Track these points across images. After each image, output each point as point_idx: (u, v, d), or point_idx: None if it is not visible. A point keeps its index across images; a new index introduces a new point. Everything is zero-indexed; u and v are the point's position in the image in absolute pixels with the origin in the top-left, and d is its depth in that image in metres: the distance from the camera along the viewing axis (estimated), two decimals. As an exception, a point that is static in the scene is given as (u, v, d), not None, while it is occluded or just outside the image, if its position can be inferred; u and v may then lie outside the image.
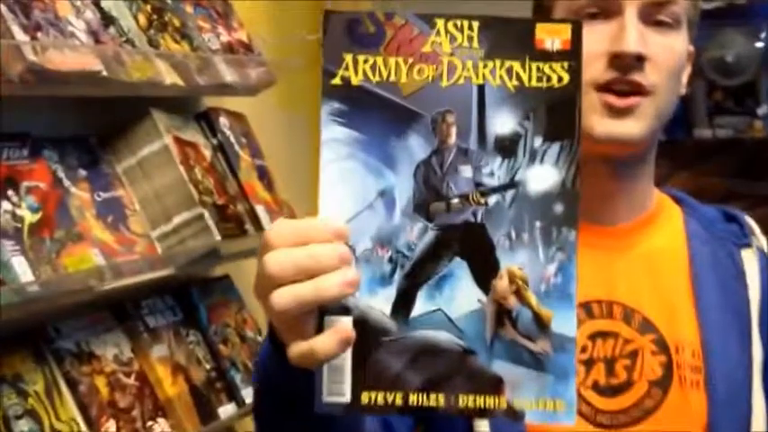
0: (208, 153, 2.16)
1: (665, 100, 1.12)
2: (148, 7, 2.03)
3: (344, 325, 0.81)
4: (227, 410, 2.10)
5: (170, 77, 1.98)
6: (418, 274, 0.84)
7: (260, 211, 2.19)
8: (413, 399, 0.82)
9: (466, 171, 0.84)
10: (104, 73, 1.77)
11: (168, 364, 2.03)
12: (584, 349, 1.13)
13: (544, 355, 0.82)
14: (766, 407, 1.13)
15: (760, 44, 2.53)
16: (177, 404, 1.98)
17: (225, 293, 2.33)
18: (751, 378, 1.13)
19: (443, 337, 0.83)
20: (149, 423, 1.90)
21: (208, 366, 2.13)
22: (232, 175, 2.20)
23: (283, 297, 0.79)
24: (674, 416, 1.12)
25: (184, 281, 2.22)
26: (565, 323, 0.83)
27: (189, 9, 2.20)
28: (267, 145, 2.46)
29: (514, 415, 0.82)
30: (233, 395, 2.14)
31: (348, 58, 0.85)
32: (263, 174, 2.32)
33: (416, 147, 0.84)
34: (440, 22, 0.85)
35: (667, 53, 1.12)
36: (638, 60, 1.09)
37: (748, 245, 1.19)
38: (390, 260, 0.84)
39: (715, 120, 2.58)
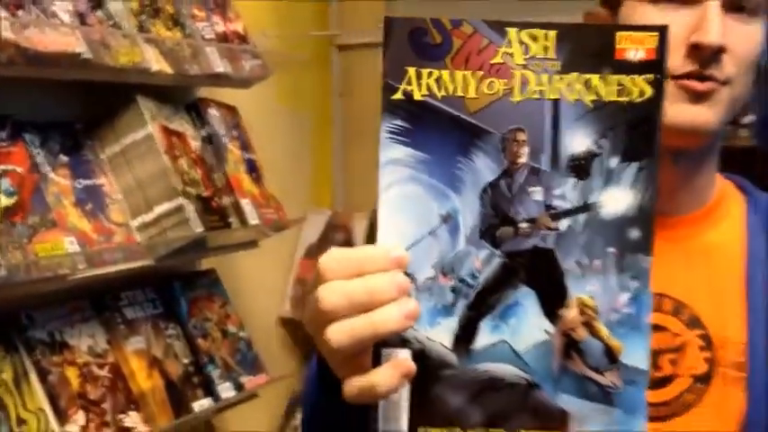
0: (196, 144, 2.12)
1: (740, 91, 1.06)
2: (141, -9, 2.00)
3: (405, 358, 0.77)
4: (202, 405, 2.06)
5: (158, 64, 1.94)
6: (482, 304, 0.79)
7: (245, 204, 2.15)
8: None
9: (536, 193, 0.79)
10: (86, 55, 1.74)
11: (144, 356, 1.99)
12: None
13: (614, 388, 0.79)
14: None
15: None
16: (150, 398, 1.94)
17: (209, 287, 2.30)
18: None
19: (507, 370, 0.79)
20: (120, 416, 1.87)
21: (185, 360, 2.09)
22: (219, 167, 2.16)
23: (338, 333, 0.75)
24: (713, 411, 1.09)
25: (168, 273, 2.19)
26: (636, 355, 0.78)
27: (183, -3, 2.16)
28: (262, 138, 2.43)
29: None
30: (210, 390, 2.10)
31: (411, 71, 0.79)
32: (251, 167, 2.28)
33: (484, 167, 0.79)
34: (512, 32, 0.78)
35: (747, 43, 1.05)
36: (719, 53, 1.03)
37: None
38: (453, 290, 0.79)
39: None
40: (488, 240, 0.79)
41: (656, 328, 1.08)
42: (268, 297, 2.82)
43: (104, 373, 1.89)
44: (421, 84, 0.79)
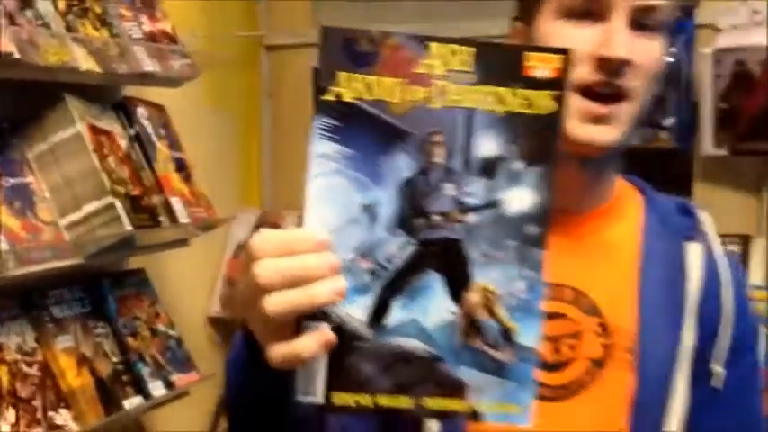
0: (124, 143, 2.13)
1: (641, 104, 1.16)
2: (68, -8, 2.00)
3: (326, 330, 0.85)
4: (132, 403, 2.07)
5: (86, 63, 1.95)
6: (396, 286, 0.88)
7: (175, 203, 2.17)
8: (381, 401, 0.87)
9: (449, 190, 0.88)
10: (16, 55, 1.74)
11: (73, 355, 1.99)
12: None
13: (507, 363, 0.88)
14: (693, 388, 1.19)
15: (668, 58, 2.58)
16: (80, 395, 1.95)
17: (138, 286, 2.30)
18: (679, 363, 1.19)
19: (415, 344, 0.88)
20: (50, 413, 1.87)
21: (115, 359, 2.10)
22: (148, 166, 2.17)
23: (278, 304, 0.84)
24: (606, 392, 1.18)
25: (96, 272, 2.19)
26: (529, 336, 0.88)
27: (111, -4, 2.17)
28: (191, 138, 2.44)
29: (475, 417, 0.89)
30: (140, 388, 2.11)
31: (343, 75, 0.87)
32: (180, 166, 2.30)
33: (404, 165, 0.88)
34: (434, 46, 0.87)
35: (650, 58, 1.15)
36: (624, 65, 1.12)
37: (693, 238, 1.23)
38: (371, 272, 0.87)
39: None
40: (404, 229, 0.88)
41: (557, 315, 1.18)
42: (197, 296, 2.84)
43: (34, 371, 1.89)
44: (351, 87, 0.87)
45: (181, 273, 2.64)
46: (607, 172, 1.24)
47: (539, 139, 0.88)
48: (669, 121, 2.61)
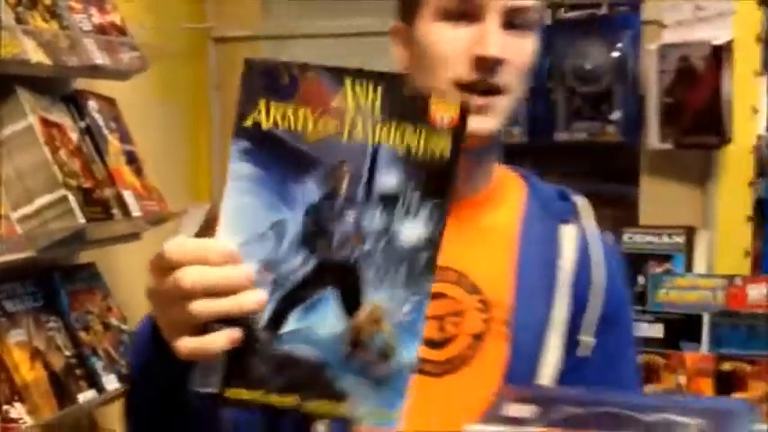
0: (75, 136, 2.13)
1: (515, 97, 1.26)
2: (18, -17, 1.99)
3: (234, 329, 0.94)
4: (86, 396, 2.07)
5: (36, 56, 1.95)
6: (295, 297, 0.97)
7: (127, 196, 2.17)
8: (270, 399, 0.95)
9: (350, 216, 0.96)
10: (-34, 47, 1.73)
11: (26, 349, 1.99)
12: None
13: (386, 375, 0.97)
14: (565, 358, 1.29)
15: (616, 54, 2.69)
16: (34, 389, 1.95)
17: (89, 280, 2.30)
18: (549, 334, 1.29)
19: (305, 351, 0.96)
20: (5, 407, 1.88)
21: (68, 353, 2.10)
22: (99, 159, 2.17)
23: (206, 309, 0.92)
24: (486, 364, 1.28)
25: (47, 266, 2.19)
26: (408, 353, 0.97)
27: (61, -12, 2.16)
28: (140, 131, 2.44)
29: (352, 421, 0.97)
30: (93, 382, 2.12)
31: (262, 103, 0.94)
32: (131, 159, 2.30)
33: (312, 190, 0.95)
34: (348, 81, 0.94)
35: (522, 56, 1.25)
36: (498, 64, 1.21)
37: (569, 221, 1.33)
38: (273, 282, 0.95)
39: (573, 124, 2.74)
40: (307, 248, 0.97)
41: (442, 296, 1.28)
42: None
43: (-14, 365, 1.88)
44: (269, 115, 0.95)
45: (132, 267, 2.63)
46: (486, 162, 1.33)
47: (435, 178, 0.95)
48: (616, 115, 2.68)
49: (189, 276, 0.92)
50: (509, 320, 1.28)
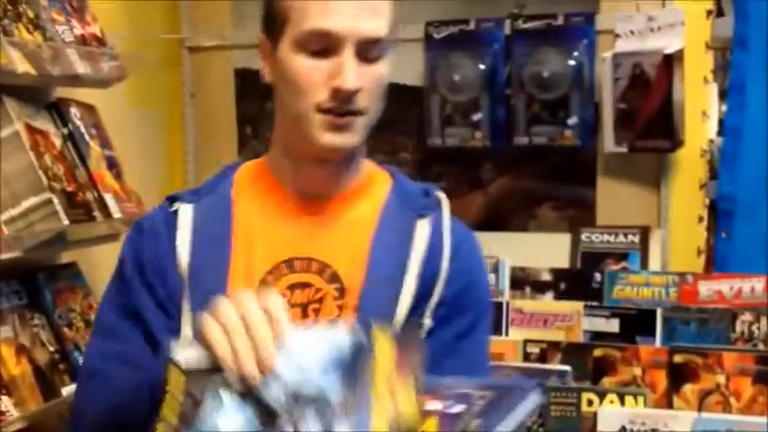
0: (58, 142, 2.22)
1: (373, 116, 1.39)
2: (3, -3, 2.08)
3: None
4: (69, 390, 2.16)
5: (22, 66, 2.04)
6: None
7: (108, 199, 2.27)
8: None
9: None
10: (-44, 59, 1.82)
11: (13, 344, 2.08)
12: (283, 297, 1.35)
13: None
14: None
15: (572, 62, 2.78)
16: (20, 383, 2.04)
17: (71, 280, 2.39)
18: (394, 317, 1.38)
19: None
20: (-7, 400, 1.96)
21: (52, 348, 2.19)
22: (82, 163, 2.26)
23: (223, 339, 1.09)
24: None
25: (31, 266, 2.28)
26: None
27: (43, 1, 2.25)
28: (118, 136, 2.53)
29: None
30: (76, 376, 2.20)
31: None
32: (112, 164, 2.39)
33: None
34: None
35: (377, 82, 1.37)
36: (354, 94, 1.34)
37: (425, 215, 1.44)
38: None
39: (532, 128, 2.81)
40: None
41: (306, 285, 1.40)
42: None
43: (-25, 360, 1.97)
44: None
45: (111, 266, 2.71)
46: (351, 166, 1.44)
47: None
48: (573, 121, 2.77)
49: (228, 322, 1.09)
50: (358, 306, 1.39)
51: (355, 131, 1.37)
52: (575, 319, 2.46)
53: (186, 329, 1.38)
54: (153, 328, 1.39)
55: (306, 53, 1.34)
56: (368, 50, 1.34)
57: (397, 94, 2.94)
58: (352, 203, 1.45)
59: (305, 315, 1.39)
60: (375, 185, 1.48)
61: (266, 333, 1.08)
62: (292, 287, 1.40)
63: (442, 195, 1.48)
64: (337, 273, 1.41)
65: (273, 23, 1.38)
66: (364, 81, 1.34)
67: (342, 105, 1.34)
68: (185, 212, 1.44)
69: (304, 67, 1.35)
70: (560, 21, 2.78)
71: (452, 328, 1.42)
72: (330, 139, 1.36)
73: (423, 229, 1.42)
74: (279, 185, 1.45)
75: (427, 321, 1.40)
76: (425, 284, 1.40)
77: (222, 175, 1.50)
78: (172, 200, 1.48)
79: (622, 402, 2.26)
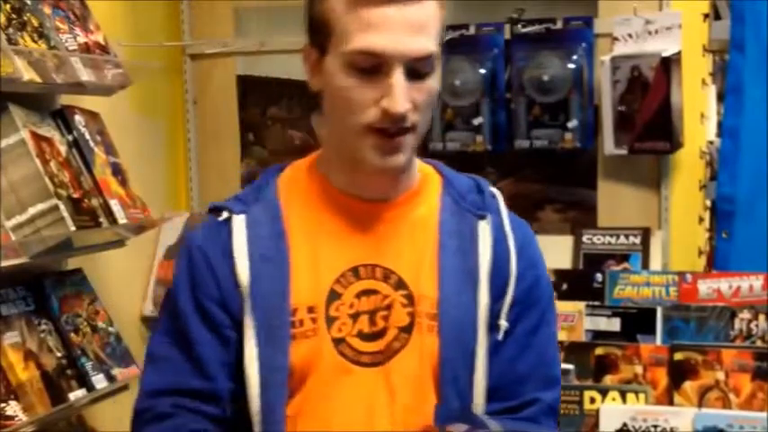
0: (63, 149, 2.24)
1: (423, 130, 1.38)
2: (8, 7, 2.11)
3: None
4: (77, 395, 2.18)
5: (28, 74, 2.06)
6: None
7: (114, 205, 2.29)
8: None
9: None
10: (-37, 67, 1.85)
11: (20, 350, 2.10)
12: (351, 305, 1.39)
13: None
14: (489, 342, 1.40)
15: (571, 66, 2.79)
16: (29, 388, 2.05)
17: (77, 286, 2.41)
18: (477, 323, 1.40)
19: None
20: (1, 405, 1.98)
21: (59, 354, 2.20)
22: (87, 170, 2.28)
23: None
24: (415, 354, 1.39)
25: (38, 273, 2.30)
26: None
27: (47, 10, 2.28)
28: (122, 143, 2.55)
29: None
30: (84, 381, 2.22)
31: None
32: (116, 170, 2.41)
33: None
34: None
35: (427, 96, 1.36)
36: (405, 113, 1.32)
37: (484, 217, 1.43)
38: None
39: (533, 132, 2.83)
40: None
41: (372, 292, 1.39)
42: (131, 295, 2.94)
43: (-16, 366, 1.99)
44: None
45: (116, 272, 2.74)
46: (406, 171, 1.43)
47: None
48: (573, 123, 2.79)
49: None
50: (435, 314, 1.39)
51: (406, 150, 1.36)
52: (577, 319, 2.49)
53: (250, 347, 1.37)
54: (204, 360, 1.38)
55: (354, 71, 1.31)
56: (417, 67, 1.32)
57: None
58: (411, 206, 1.44)
59: (373, 323, 1.39)
60: (428, 185, 1.47)
61: None
62: (359, 295, 1.40)
63: (495, 191, 1.48)
64: (403, 279, 1.40)
65: (317, 34, 1.36)
66: (414, 97, 1.32)
67: (393, 125, 1.32)
68: (239, 224, 1.41)
69: (353, 86, 1.32)
70: (559, 25, 2.80)
71: (523, 325, 1.43)
72: (381, 161, 1.35)
73: (485, 233, 1.42)
74: (333, 190, 1.43)
75: (503, 323, 1.41)
76: (497, 288, 1.41)
77: (264, 182, 1.47)
78: (216, 210, 1.44)
79: (624, 400, 2.29)
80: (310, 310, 1.38)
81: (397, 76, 1.30)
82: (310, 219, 1.42)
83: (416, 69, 1.32)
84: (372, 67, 1.31)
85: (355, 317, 1.39)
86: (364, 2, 1.29)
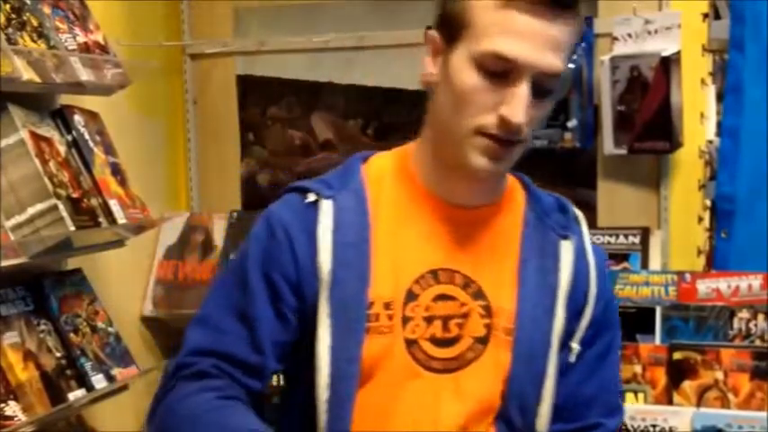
0: (62, 149, 2.24)
1: (528, 143, 1.36)
2: (7, 6, 2.11)
3: None
4: (76, 395, 2.18)
5: (27, 74, 2.06)
6: None
7: (113, 205, 2.28)
8: None
9: None
10: (-37, 67, 1.85)
11: (20, 350, 2.10)
12: (427, 308, 1.37)
13: None
14: (559, 362, 1.40)
15: (571, 66, 2.76)
16: (28, 388, 2.05)
17: (76, 286, 2.41)
18: (550, 342, 1.39)
19: None
20: (1, 405, 1.98)
21: (58, 354, 2.20)
22: (86, 170, 2.28)
23: None
24: (488, 367, 1.38)
25: (37, 273, 2.30)
26: None
27: (47, 10, 2.28)
28: (121, 143, 2.55)
29: None
30: (83, 381, 2.22)
31: None
32: (116, 170, 2.41)
33: None
34: None
35: (541, 114, 1.34)
36: (521, 126, 1.30)
37: (567, 237, 1.42)
38: None
39: (534, 132, 2.80)
40: None
41: (449, 297, 1.37)
42: (131, 295, 2.94)
43: (-17, 366, 1.99)
44: None
45: (116, 272, 2.74)
46: (495, 179, 1.41)
47: None
48: (573, 123, 2.79)
49: None
50: (511, 329, 1.37)
51: (510, 159, 1.35)
52: (576, 319, 2.48)
53: (324, 334, 1.33)
54: (261, 336, 1.35)
55: (481, 71, 1.29)
56: (543, 83, 1.30)
57: (404, 99, 2.99)
58: (497, 216, 1.42)
59: (447, 328, 1.37)
60: (513, 197, 1.45)
61: None
62: (436, 299, 1.38)
63: (578, 213, 1.47)
64: (482, 289, 1.39)
65: (450, 24, 1.32)
66: (531, 113, 1.31)
67: (505, 134, 1.30)
68: (326, 209, 1.37)
69: (477, 86, 1.29)
70: (559, 24, 2.78)
71: (594, 349, 1.43)
72: (485, 164, 1.32)
73: (567, 253, 1.41)
74: (422, 189, 1.41)
75: (575, 346, 1.41)
76: (573, 309, 1.40)
77: (350, 170, 1.43)
78: (299, 190, 1.40)
79: (623, 399, 2.28)
80: (387, 306, 1.36)
81: (524, 87, 1.28)
82: (396, 215, 1.39)
83: (541, 85, 1.30)
84: (501, 71, 1.29)
85: (429, 320, 1.37)
86: (517, 6, 1.27)
